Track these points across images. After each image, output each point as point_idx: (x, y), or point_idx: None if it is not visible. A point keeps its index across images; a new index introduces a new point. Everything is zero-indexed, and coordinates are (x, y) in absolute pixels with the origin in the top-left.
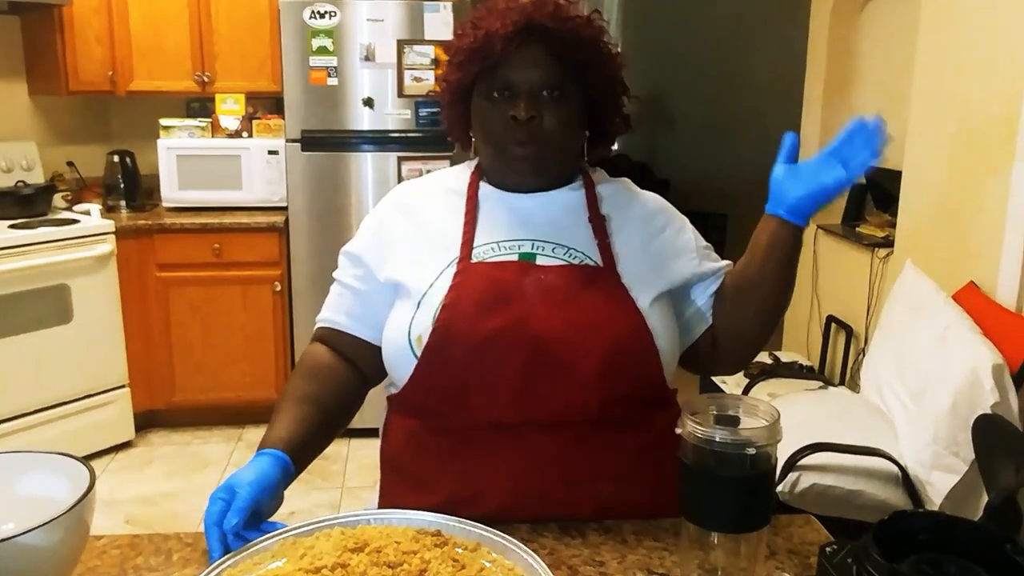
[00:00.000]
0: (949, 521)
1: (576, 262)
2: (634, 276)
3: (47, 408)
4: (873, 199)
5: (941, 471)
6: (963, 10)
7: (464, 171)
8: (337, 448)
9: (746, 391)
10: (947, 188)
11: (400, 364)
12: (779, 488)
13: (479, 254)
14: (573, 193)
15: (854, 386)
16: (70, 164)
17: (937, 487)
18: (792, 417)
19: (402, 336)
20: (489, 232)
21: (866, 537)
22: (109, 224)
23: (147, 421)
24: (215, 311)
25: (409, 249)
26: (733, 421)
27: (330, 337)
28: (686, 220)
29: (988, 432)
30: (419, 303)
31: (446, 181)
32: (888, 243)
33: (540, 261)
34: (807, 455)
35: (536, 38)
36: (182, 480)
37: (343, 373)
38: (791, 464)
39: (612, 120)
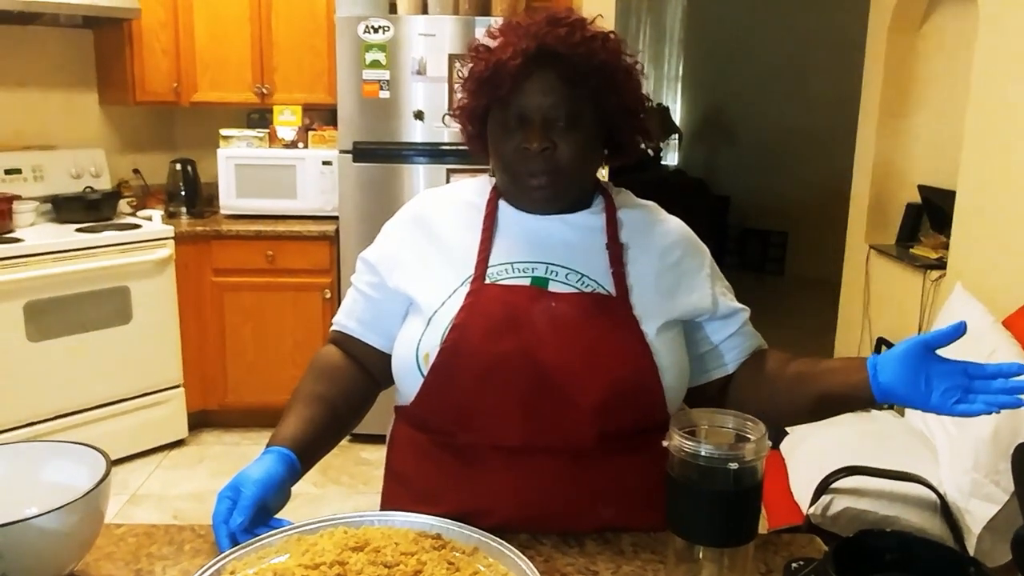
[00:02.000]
0: (914, 541)
1: (588, 290)
2: (645, 306)
3: (105, 405)
4: (929, 219)
5: (980, 500)
6: (1021, 27)
7: (485, 184)
8: (379, 454)
9: None
10: (1001, 210)
11: (407, 380)
12: (810, 510)
13: (493, 274)
14: (593, 217)
15: (903, 410)
16: (136, 171)
17: (976, 516)
18: (830, 439)
19: (410, 353)
20: (505, 252)
21: (827, 554)
22: (169, 229)
23: (200, 421)
24: (267, 316)
25: (423, 263)
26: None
27: (342, 340)
28: (707, 254)
29: None
30: (429, 321)
31: (467, 194)
32: (941, 265)
33: (552, 287)
34: (841, 478)
35: (548, 63)
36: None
37: (353, 375)
38: (824, 487)
39: (631, 135)
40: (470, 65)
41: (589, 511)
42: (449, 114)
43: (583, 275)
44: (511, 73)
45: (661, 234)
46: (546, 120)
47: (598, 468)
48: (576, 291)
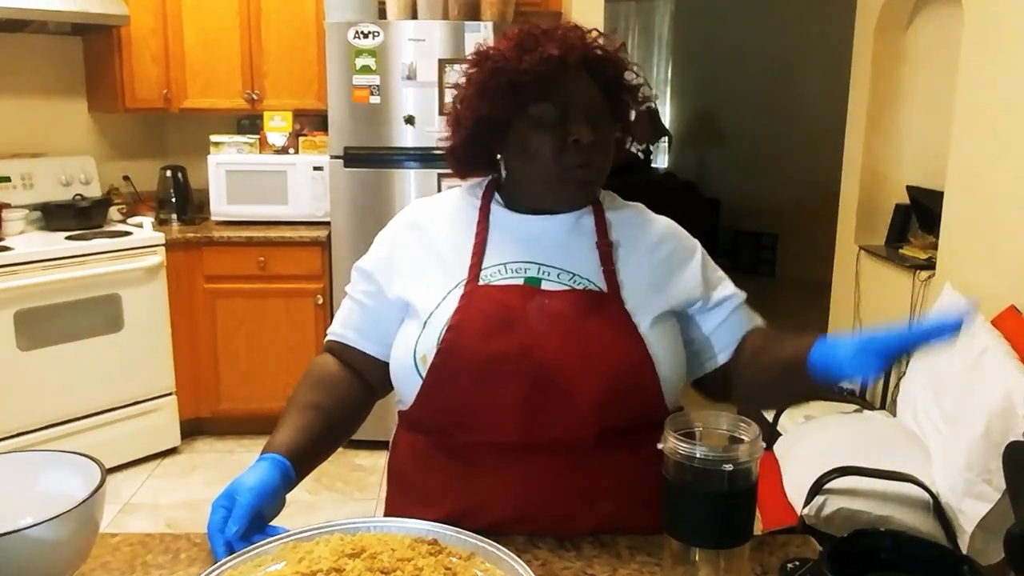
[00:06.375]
0: (909, 540)
1: (580, 287)
2: (637, 301)
3: (97, 413)
4: (918, 220)
5: (973, 499)
6: (1006, 28)
7: (476, 190)
8: (373, 460)
9: (779, 412)
10: (989, 210)
11: (406, 382)
12: (804, 511)
13: (486, 276)
14: (582, 217)
15: (895, 410)
16: (126, 178)
17: (969, 515)
18: (823, 440)
19: (407, 355)
20: (497, 254)
21: (822, 554)
22: (159, 236)
23: (193, 428)
24: (259, 323)
25: (418, 268)
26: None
27: (339, 350)
28: (698, 246)
29: (1019, 459)
30: (425, 323)
31: (457, 200)
32: (930, 265)
33: (545, 286)
34: (834, 478)
35: (585, 65)
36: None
37: (349, 384)
38: (817, 487)
39: (622, 141)
40: (481, 73)
41: (588, 508)
42: (447, 114)
43: (575, 274)
44: (554, 65)
45: (650, 231)
46: (589, 116)
47: (597, 465)
48: (568, 289)
